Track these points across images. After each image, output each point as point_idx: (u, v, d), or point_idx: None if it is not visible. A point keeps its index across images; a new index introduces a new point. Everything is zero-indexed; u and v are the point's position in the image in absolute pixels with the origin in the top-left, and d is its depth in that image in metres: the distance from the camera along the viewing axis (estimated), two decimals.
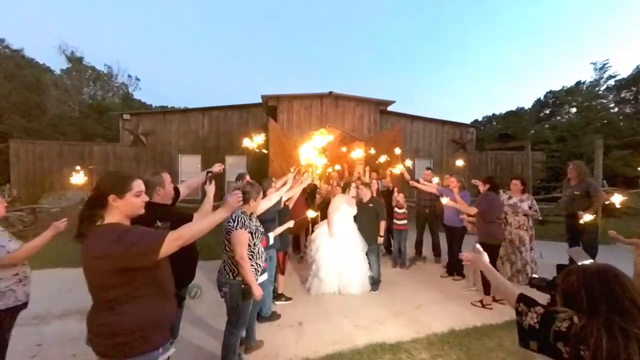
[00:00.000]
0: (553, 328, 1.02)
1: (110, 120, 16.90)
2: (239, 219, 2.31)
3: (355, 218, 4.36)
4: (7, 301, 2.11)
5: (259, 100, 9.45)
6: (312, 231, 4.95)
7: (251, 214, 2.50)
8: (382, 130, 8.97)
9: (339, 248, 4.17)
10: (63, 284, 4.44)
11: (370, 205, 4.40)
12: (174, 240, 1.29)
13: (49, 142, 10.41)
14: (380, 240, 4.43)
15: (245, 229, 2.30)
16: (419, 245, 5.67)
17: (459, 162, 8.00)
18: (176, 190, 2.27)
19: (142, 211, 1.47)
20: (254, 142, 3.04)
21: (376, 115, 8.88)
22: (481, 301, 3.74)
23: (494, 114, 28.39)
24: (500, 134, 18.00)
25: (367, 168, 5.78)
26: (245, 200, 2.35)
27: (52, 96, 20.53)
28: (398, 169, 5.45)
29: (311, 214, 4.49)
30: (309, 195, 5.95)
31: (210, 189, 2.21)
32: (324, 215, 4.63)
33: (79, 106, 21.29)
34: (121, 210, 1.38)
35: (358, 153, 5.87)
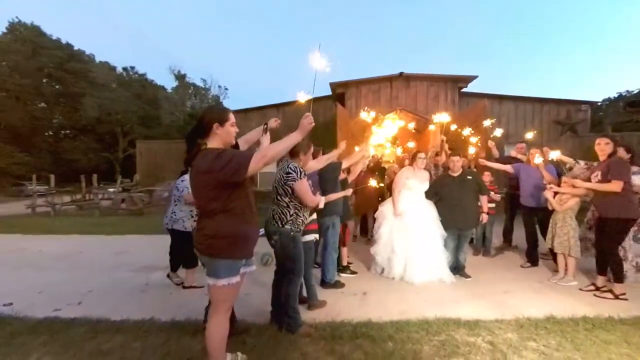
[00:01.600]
0: None
1: None
2: (297, 169, 2.34)
3: (446, 196, 3.69)
4: (177, 226, 3.30)
5: (329, 92, 9.63)
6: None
7: (302, 165, 2.53)
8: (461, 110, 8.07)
9: (406, 229, 3.63)
10: (167, 246, 5.32)
11: (469, 177, 3.68)
12: (260, 159, 1.49)
13: (161, 142, 12.79)
14: (485, 218, 3.76)
15: (307, 179, 2.36)
16: (507, 233, 4.87)
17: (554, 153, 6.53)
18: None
19: (234, 141, 1.74)
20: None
21: (454, 94, 8.03)
22: (593, 284, 3.06)
23: (620, 94, 22.15)
24: (629, 102, 13.59)
25: (444, 138, 5.19)
26: (295, 153, 2.44)
27: (165, 109, 25.18)
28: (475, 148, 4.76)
29: (374, 183, 4.08)
30: (377, 171, 5.71)
31: (266, 139, 2.29)
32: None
33: (183, 116, 25.56)
34: (221, 137, 1.63)
35: (441, 117, 5.17)
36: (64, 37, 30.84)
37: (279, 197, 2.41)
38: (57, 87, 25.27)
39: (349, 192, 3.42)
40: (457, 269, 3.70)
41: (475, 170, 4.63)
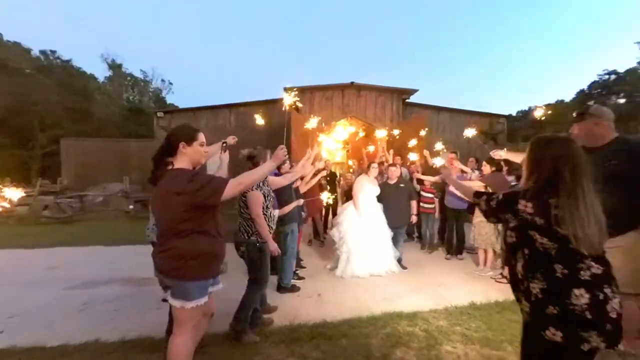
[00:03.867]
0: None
1: (148, 121, 18.16)
2: None
3: (384, 200, 4.32)
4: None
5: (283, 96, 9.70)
6: (333, 215, 5.00)
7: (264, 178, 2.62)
8: (406, 120, 8.85)
9: (367, 229, 4.14)
10: (107, 258, 4.89)
11: (402, 185, 4.42)
12: (236, 185, 1.56)
13: (94, 140, 11.42)
14: (415, 219, 4.52)
15: (260, 190, 2.48)
16: (441, 231, 5.56)
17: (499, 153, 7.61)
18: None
19: (204, 160, 1.76)
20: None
21: (399, 104, 8.78)
22: (501, 273, 3.76)
23: (529, 107, 26.66)
24: (533, 119, 16.56)
25: (391, 151, 5.76)
26: (255, 163, 2.54)
27: (97, 101, 22.40)
28: (416, 155, 5.39)
29: (325, 196, 4.60)
30: (329, 182, 6.03)
31: (225, 157, 2.34)
32: (350, 198, 4.68)
33: (120, 110, 23.06)
34: (189, 156, 1.64)
35: (381, 133, 5.88)
36: None
37: (242, 210, 2.53)
38: None
39: (300, 202, 3.63)
40: (398, 260, 4.30)
41: (418, 172, 5.29)
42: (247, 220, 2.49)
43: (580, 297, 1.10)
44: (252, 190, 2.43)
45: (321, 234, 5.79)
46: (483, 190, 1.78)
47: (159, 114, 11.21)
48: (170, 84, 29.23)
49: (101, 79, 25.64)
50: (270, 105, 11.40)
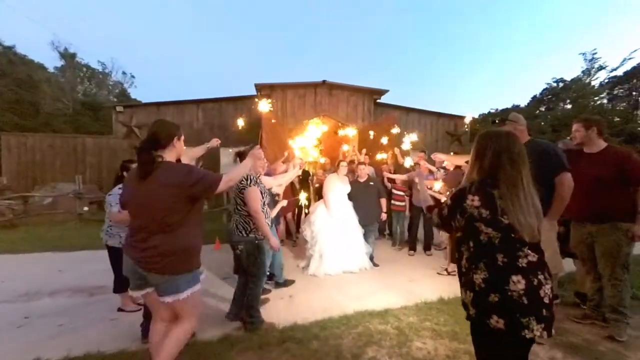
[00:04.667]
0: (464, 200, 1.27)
1: (106, 117, 16.80)
2: (251, 177, 2.47)
3: (354, 198, 4.35)
4: (113, 242, 2.80)
5: (254, 92, 9.43)
6: (306, 214, 4.93)
7: (259, 176, 2.66)
8: (376, 120, 8.99)
9: (338, 227, 4.16)
10: (54, 266, 4.40)
11: (371, 183, 4.45)
12: (227, 182, 1.68)
13: (41, 135, 10.32)
14: (384, 217, 4.54)
15: (257, 186, 2.49)
16: (411, 228, 5.70)
17: (439, 156, 8.03)
18: (178, 162, 2.58)
19: (182, 156, 1.86)
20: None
21: (370, 104, 8.90)
22: (446, 269, 3.96)
23: (489, 111, 28.62)
24: (493, 120, 18.23)
25: (364, 150, 5.80)
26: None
27: (46, 93, 20.33)
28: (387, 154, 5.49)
29: (302, 196, 4.55)
30: (301, 181, 5.94)
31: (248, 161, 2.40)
32: (321, 197, 4.64)
33: (73, 104, 21.12)
34: (177, 150, 1.73)
35: (350, 132, 5.95)
36: None
37: (238, 207, 2.52)
38: None
39: (284, 202, 3.53)
40: (370, 258, 4.32)
41: (389, 171, 5.38)
42: (244, 217, 2.49)
43: (518, 283, 1.17)
44: (250, 186, 2.43)
45: (294, 233, 5.70)
46: (435, 200, 1.87)
47: (119, 109, 10.39)
48: (133, 77, 27.32)
49: (51, 69, 23.32)
50: (241, 102, 11.06)
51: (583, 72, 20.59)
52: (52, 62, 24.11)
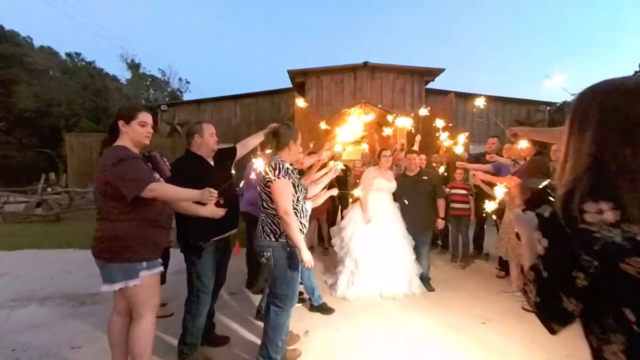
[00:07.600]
0: None
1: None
2: (280, 165, 1.82)
3: (402, 197, 3.30)
4: None
5: (289, 83, 8.80)
6: (342, 217, 3.98)
7: (291, 164, 1.98)
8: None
9: (378, 235, 3.12)
10: (66, 265, 4.17)
11: (424, 177, 3.30)
12: (149, 191, 1.55)
13: (98, 135, 11.08)
14: (441, 224, 3.36)
15: (289, 179, 1.83)
16: (477, 239, 4.37)
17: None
18: (234, 148, 2.38)
19: (147, 142, 1.71)
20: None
21: (421, 88, 7.56)
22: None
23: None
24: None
25: (418, 137, 4.54)
26: (283, 145, 1.94)
27: (115, 101, 22.81)
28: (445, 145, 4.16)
29: (335, 192, 3.55)
30: (339, 179, 4.97)
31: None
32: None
33: None
34: (129, 135, 1.66)
35: (404, 122, 4.70)
36: None
37: (265, 204, 1.90)
38: None
39: (335, 191, 2.72)
40: (421, 278, 3.19)
41: (435, 169, 4.07)
42: (272, 217, 1.87)
43: None
44: (279, 178, 1.79)
45: (326, 239, 4.80)
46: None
47: (163, 107, 10.74)
48: (188, 82, 29.42)
49: (123, 80, 26.21)
50: (277, 96, 10.60)
51: None
52: (123, 73, 27.04)
